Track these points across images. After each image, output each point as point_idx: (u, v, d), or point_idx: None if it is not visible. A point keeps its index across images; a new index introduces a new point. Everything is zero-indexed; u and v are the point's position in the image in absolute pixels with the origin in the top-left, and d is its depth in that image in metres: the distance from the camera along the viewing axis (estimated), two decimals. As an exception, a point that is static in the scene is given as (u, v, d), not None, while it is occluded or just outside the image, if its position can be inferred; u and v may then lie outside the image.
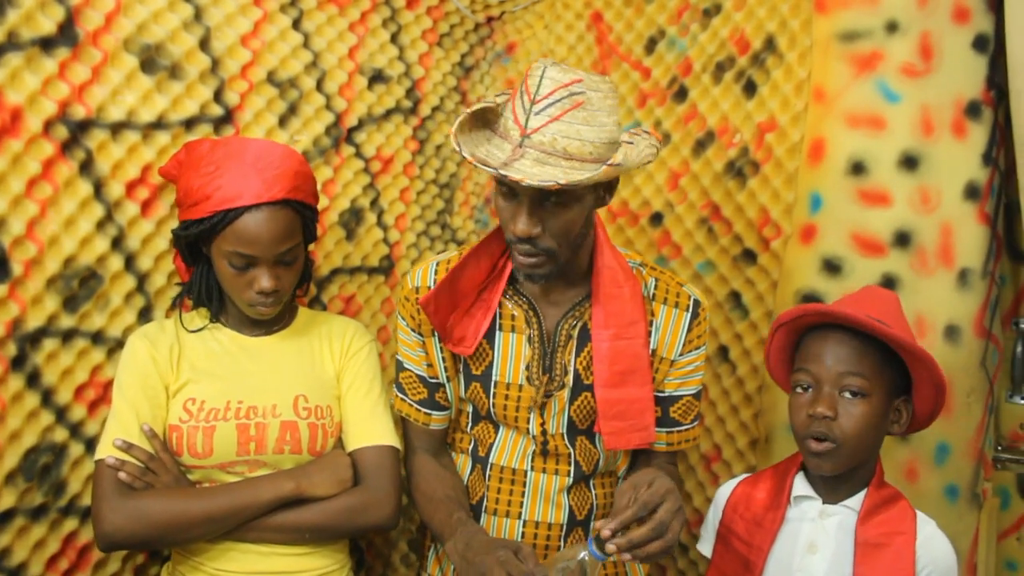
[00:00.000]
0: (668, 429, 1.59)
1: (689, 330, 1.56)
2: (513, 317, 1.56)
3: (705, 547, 1.57)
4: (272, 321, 1.61)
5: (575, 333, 1.55)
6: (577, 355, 1.54)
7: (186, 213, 1.49)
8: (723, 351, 1.94)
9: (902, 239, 1.65)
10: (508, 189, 1.40)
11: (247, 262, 1.47)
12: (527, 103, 1.37)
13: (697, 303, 1.57)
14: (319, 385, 1.59)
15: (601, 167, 1.33)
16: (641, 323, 1.52)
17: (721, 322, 1.94)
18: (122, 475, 1.45)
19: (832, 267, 1.70)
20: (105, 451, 1.47)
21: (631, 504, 1.29)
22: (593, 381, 1.52)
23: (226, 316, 1.61)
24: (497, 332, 1.56)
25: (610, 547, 1.26)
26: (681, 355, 1.57)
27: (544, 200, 1.39)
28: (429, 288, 1.55)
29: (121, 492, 1.45)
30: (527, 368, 1.55)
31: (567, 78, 1.35)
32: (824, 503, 1.44)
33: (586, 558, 1.29)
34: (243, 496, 1.48)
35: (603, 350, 1.50)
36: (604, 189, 1.46)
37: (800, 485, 1.47)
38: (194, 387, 1.53)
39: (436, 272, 1.58)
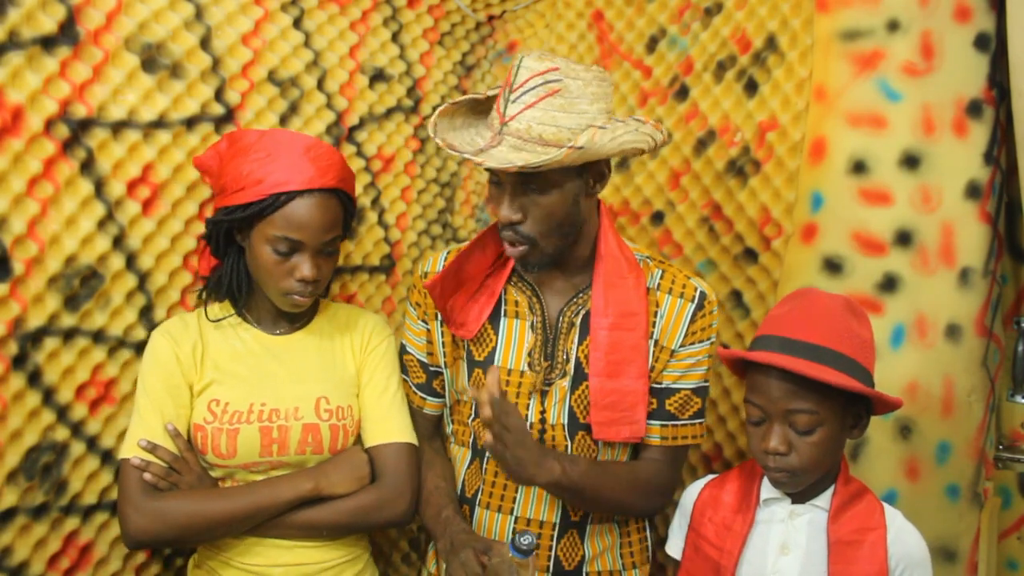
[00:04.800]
0: (662, 422, 1.58)
1: (692, 321, 1.56)
2: (516, 303, 1.58)
3: (673, 549, 1.56)
4: (296, 317, 1.62)
5: (577, 321, 1.56)
6: (579, 343, 1.55)
7: (230, 199, 1.49)
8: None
9: (903, 238, 1.65)
10: (496, 177, 1.45)
11: (292, 248, 1.48)
12: (507, 92, 1.41)
13: (703, 295, 1.57)
14: (340, 384, 1.61)
15: (563, 150, 1.34)
16: (642, 315, 1.52)
17: (722, 321, 1.94)
18: (147, 476, 1.48)
19: (833, 266, 1.69)
20: (130, 451, 1.50)
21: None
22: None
23: (251, 310, 1.61)
24: (501, 318, 1.58)
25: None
26: (682, 346, 1.56)
27: (525, 187, 1.42)
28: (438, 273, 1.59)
29: (145, 493, 1.48)
30: (529, 355, 1.56)
31: (543, 66, 1.37)
32: (793, 503, 1.45)
33: (511, 557, 1.34)
34: (263, 497, 1.50)
35: (600, 338, 1.51)
36: (591, 176, 1.47)
37: (767, 488, 1.47)
38: (218, 388, 1.55)
39: (447, 259, 1.63)
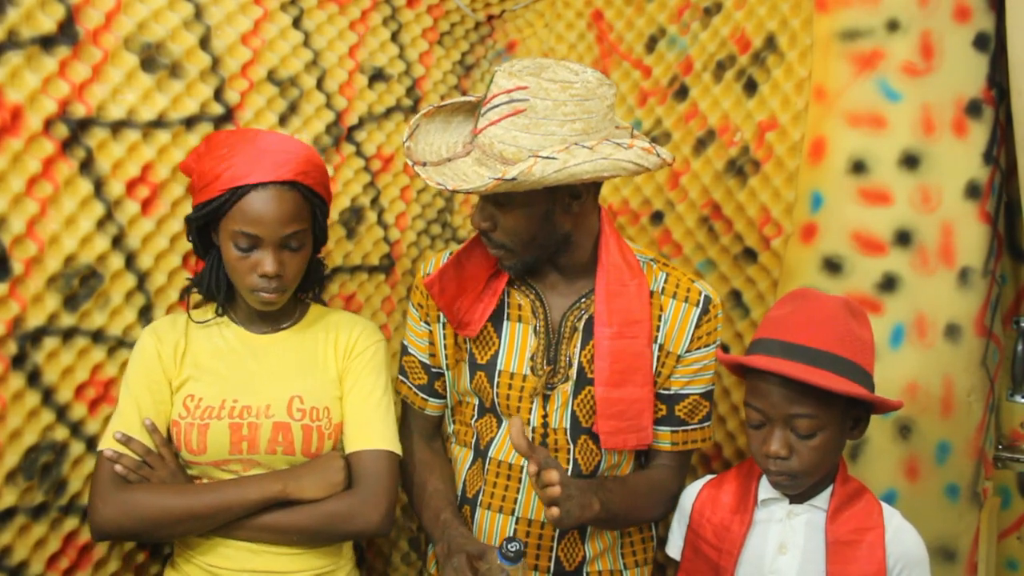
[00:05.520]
0: (673, 428, 1.59)
1: (698, 326, 1.55)
2: (520, 307, 1.57)
3: (672, 550, 1.56)
4: (280, 318, 1.61)
5: (580, 325, 1.55)
6: (582, 348, 1.55)
7: (198, 196, 1.50)
8: (724, 350, 1.94)
9: (903, 238, 1.65)
10: None
11: (252, 243, 1.47)
12: (480, 105, 1.42)
13: (708, 299, 1.57)
14: (319, 386, 1.58)
15: (490, 181, 1.33)
16: (645, 323, 1.51)
17: (722, 321, 1.94)
18: (118, 467, 1.48)
19: (833, 266, 1.69)
20: (105, 443, 1.50)
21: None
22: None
23: (235, 310, 1.61)
24: (505, 321, 1.58)
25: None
26: (688, 351, 1.56)
27: (493, 200, 1.43)
28: None
29: (115, 484, 1.47)
30: (531, 358, 1.56)
31: (511, 84, 1.36)
32: (791, 503, 1.45)
33: (498, 563, 1.34)
34: (229, 495, 1.48)
35: (604, 348, 1.51)
36: (565, 194, 1.44)
37: (765, 488, 1.47)
38: (194, 384, 1.54)
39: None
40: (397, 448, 1.58)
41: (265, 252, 1.48)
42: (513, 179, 1.32)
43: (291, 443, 1.53)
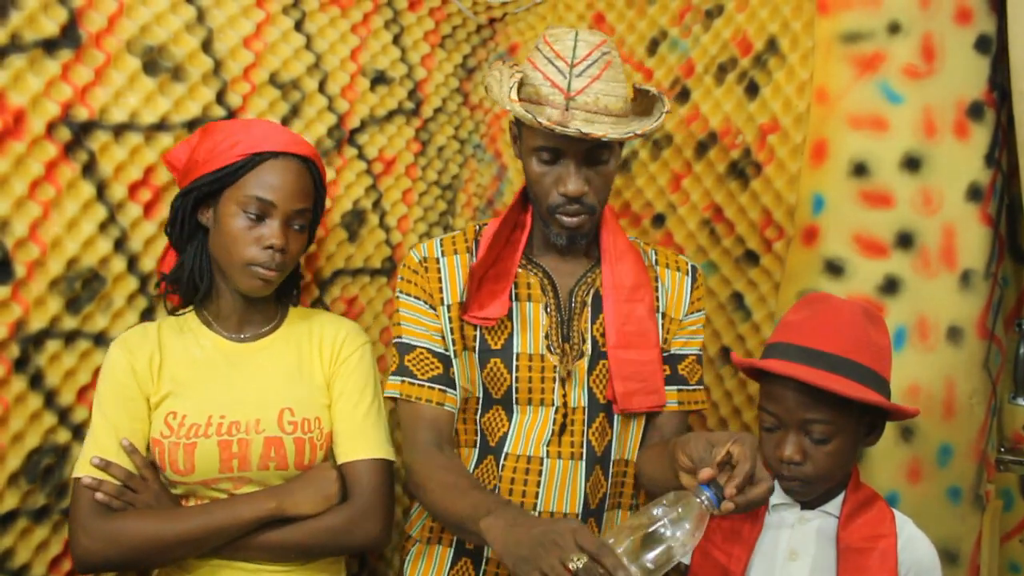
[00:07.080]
0: (679, 387, 1.63)
1: (692, 292, 1.65)
2: (529, 286, 1.58)
3: None
4: (260, 321, 1.57)
5: (588, 300, 1.58)
6: (592, 322, 1.57)
7: (201, 169, 1.47)
8: (725, 353, 1.94)
9: (904, 240, 1.65)
10: (551, 155, 1.47)
11: (263, 211, 1.46)
12: (564, 67, 1.44)
13: (694, 268, 1.68)
14: (307, 396, 1.53)
15: (663, 116, 1.46)
16: (646, 288, 1.58)
17: (724, 324, 1.94)
18: (99, 496, 1.41)
19: (834, 268, 1.69)
20: (82, 469, 1.44)
21: (736, 460, 1.22)
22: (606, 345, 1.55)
23: (212, 312, 1.55)
24: (514, 302, 1.57)
25: (728, 505, 1.19)
26: (687, 315, 1.64)
27: (593, 159, 1.47)
28: (437, 259, 1.59)
29: (97, 513, 1.41)
30: (546, 337, 1.56)
31: (597, 39, 1.45)
32: (802, 509, 1.44)
33: (705, 504, 1.18)
34: (221, 517, 1.42)
35: (612, 311, 1.56)
36: (621, 147, 1.55)
37: (777, 493, 1.45)
38: (175, 400, 1.48)
39: (442, 246, 1.61)
40: (391, 454, 1.55)
41: (273, 224, 1.46)
42: (659, 121, 1.47)
43: (284, 457, 1.48)
